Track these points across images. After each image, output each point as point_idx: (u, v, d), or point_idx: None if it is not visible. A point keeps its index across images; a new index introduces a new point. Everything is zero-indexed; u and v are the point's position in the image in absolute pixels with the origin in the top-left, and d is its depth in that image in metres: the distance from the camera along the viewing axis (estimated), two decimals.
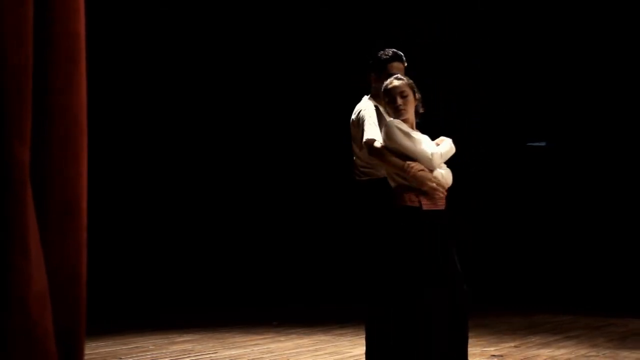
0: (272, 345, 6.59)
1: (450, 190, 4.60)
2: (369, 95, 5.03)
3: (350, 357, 6.07)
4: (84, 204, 2.31)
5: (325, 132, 10.51)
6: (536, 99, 10.37)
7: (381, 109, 4.85)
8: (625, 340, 6.85)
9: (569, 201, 9.93)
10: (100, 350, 6.26)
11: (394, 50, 5.01)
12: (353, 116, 4.97)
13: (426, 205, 4.44)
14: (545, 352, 6.20)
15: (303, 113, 10.75)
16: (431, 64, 10.04)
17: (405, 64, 4.99)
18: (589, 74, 9.84)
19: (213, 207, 10.82)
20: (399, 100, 4.56)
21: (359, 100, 5.02)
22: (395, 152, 4.53)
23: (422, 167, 4.46)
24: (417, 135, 4.63)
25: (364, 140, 4.70)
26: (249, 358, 5.98)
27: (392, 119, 4.62)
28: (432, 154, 4.54)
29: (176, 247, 10.52)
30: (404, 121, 4.58)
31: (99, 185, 9.81)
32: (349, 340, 6.92)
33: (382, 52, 5.00)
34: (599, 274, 9.74)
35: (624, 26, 9.64)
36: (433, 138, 4.74)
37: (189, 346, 6.56)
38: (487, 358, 5.95)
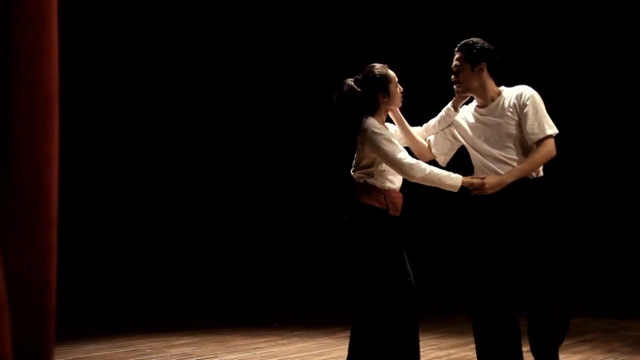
0: (275, 349, 6.33)
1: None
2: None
3: None
4: (54, 194, 1.86)
5: (327, 131, 10.26)
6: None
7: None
8: None
9: (576, 199, 9.67)
10: (96, 354, 6.05)
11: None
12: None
13: (392, 211, 4.38)
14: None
15: (303, 111, 10.50)
16: (431, 63, 9.79)
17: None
18: (592, 71, 9.61)
19: (213, 205, 10.61)
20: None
21: None
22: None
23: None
24: (395, 138, 4.46)
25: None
26: None
27: (369, 118, 4.47)
28: (416, 162, 4.35)
29: (174, 247, 10.30)
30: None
31: (97, 184, 9.67)
32: None
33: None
34: (607, 275, 9.49)
35: (630, 21, 9.42)
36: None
37: (188, 350, 6.31)
38: None
